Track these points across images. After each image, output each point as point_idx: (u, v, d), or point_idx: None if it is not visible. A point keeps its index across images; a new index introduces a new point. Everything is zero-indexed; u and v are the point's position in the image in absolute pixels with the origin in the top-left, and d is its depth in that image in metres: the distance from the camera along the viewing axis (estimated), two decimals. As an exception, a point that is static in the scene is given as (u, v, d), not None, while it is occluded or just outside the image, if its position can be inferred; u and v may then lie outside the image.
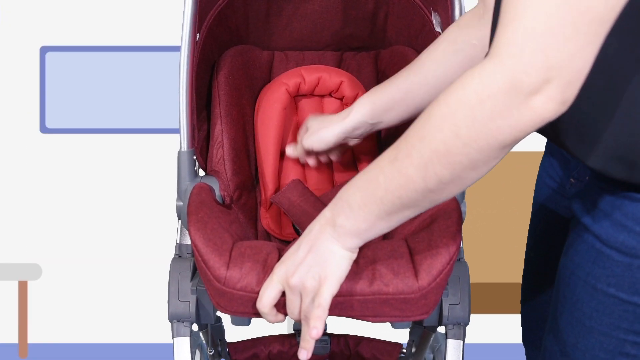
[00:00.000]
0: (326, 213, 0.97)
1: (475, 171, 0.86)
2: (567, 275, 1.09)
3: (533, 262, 1.35)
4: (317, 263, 0.97)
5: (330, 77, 1.41)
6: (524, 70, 0.78)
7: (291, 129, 1.41)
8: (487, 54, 0.82)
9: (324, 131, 1.29)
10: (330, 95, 1.43)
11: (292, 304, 1.00)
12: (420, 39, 1.42)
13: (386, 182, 0.90)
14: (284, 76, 1.41)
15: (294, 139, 1.40)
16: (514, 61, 0.78)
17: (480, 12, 1.18)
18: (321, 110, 1.43)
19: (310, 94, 1.43)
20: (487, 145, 0.82)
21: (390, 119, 1.24)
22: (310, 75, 1.40)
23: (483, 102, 0.79)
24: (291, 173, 1.39)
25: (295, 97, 1.43)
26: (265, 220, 1.36)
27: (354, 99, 1.38)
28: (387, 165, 0.90)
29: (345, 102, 1.41)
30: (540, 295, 1.33)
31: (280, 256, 1.06)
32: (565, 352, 1.12)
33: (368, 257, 1.06)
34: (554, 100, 0.79)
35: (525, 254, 1.37)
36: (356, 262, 1.03)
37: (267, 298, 1.01)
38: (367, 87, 1.43)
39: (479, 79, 0.80)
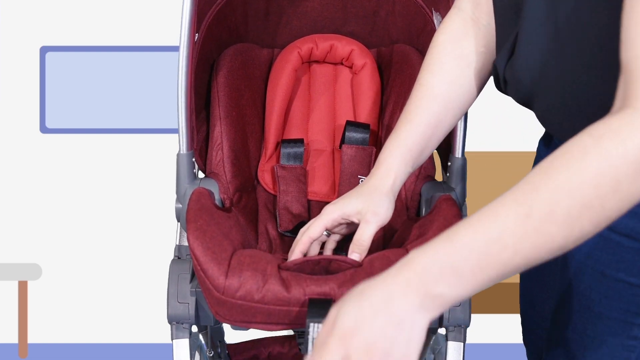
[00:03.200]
0: (409, 275, 0.80)
1: (610, 223, 0.82)
2: (573, 264, 1.10)
3: None
4: (391, 337, 0.80)
5: (342, 45, 1.44)
6: None
7: (301, 91, 1.45)
8: (630, 106, 0.80)
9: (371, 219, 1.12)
10: (341, 63, 1.47)
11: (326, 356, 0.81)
12: (422, 38, 1.41)
13: (516, 243, 0.79)
14: (299, 41, 1.45)
15: (303, 102, 1.44)
16: None
17: (468, 17, 1.15)
18: (334, 78, 1.46)
19: (323, 61, 1.47)
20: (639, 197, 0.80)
21: (425, 156, 1.16)
22: (323, 42, 1.44)
23: (634, 153, 0.78)
24: (293, 129, 1.43)
25: (310, 63, 1.47)
26: (262, 172, 1.39)
27: (362, 67, 1.43)
28: (516, 224, 0.79)
29: (354, 71, 1.45)
30: (539, 292, 1.33)
31: (279, 267, 1.06)
32: (573, 339, 1.13)
33: (367, 267, 1.06)
34: None
35: None
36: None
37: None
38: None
39: None
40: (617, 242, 1.04)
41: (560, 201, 0.78)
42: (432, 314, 0.81)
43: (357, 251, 1.10)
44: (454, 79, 1.13)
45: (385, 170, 1.12)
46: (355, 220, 1.12)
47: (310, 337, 0.97)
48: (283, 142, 1.39)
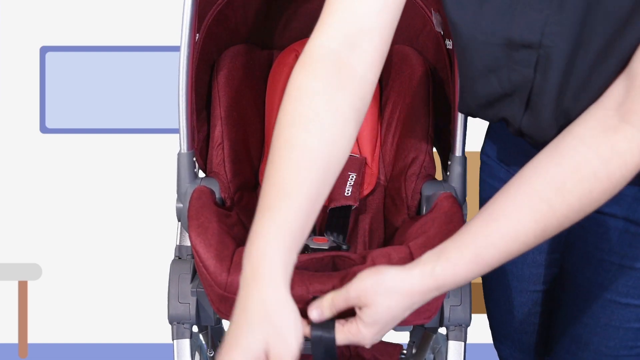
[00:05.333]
0: (431, 287, 0.93)
1: None
2: (594, 262, 1.16)
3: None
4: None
5: None
6: None
7: None
8: (631, 123, 0.92)
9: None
10: None
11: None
12: (421, 38, 1.41)
13: (528, 241, 0.94)
14: (296, 44, 1.44)
15: None
16: None
17: (341, 61, 0.99)
18: None
19: None
20: None
21: (307, 233, 0.95)
22: None
23: (632, 172, 0.93)
24: None
25: None
26: (263, 173, 1.37)
27: None
28: (535, 240, 0.94)
29: None
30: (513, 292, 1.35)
31: None
32: (595, 332, 1.18)
33: (370, 264, 1.06)
34: None
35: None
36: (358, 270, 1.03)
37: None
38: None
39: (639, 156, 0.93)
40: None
41: (570, 216, 0.94)
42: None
43: None
44: (334, 139, 0.95)
45: (271, 271, 0.90)
46: None
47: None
48: None
